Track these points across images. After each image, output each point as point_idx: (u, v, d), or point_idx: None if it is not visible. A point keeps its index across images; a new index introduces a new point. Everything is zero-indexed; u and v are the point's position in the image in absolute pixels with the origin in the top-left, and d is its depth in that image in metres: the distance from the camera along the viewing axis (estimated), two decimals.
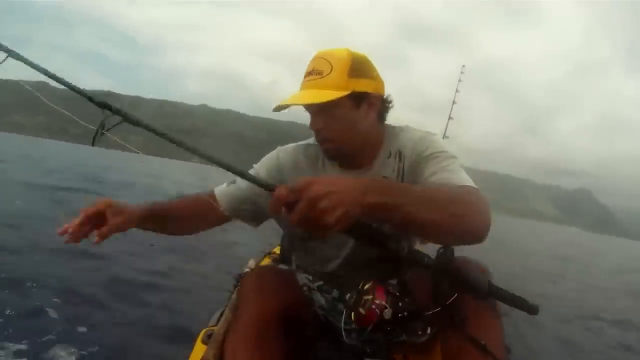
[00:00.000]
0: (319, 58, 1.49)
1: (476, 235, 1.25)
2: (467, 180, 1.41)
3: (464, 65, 3.82)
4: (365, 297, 1.37)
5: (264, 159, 1.80)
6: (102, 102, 1.32)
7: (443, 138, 2.91)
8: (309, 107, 1.53)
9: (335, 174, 1.63)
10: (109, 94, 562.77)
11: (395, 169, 1.59)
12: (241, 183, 1.69)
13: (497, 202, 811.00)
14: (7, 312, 3.47)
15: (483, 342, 1.23)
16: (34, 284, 4.18)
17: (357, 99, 1.49)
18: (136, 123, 1.32)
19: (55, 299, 3.94)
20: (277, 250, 2.82)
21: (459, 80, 3.62)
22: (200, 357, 1.48)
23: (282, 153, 1.78)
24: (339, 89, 1.43)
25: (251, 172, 1.69)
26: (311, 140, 1.74)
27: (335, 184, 1.01)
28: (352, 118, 1.51)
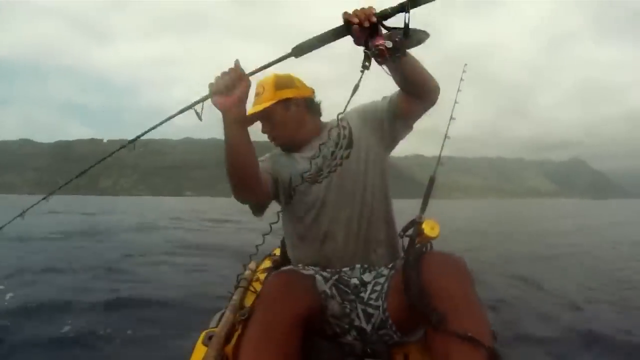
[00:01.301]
0: (257, 85, 2.03)
1: (436, 91, 1.85)
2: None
3: (466, 64, 2.81)
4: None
5: (268, 155, 2.17)
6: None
7: (445, 138, 2.68)
8: (259, 118, 2.01)
9: (300, 155, 2.04)
10: (92, 141, 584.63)
11: (340, 128, 1.99)
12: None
13: (493, 186, 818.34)
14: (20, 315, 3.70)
15: (470, 334, 1.29)
16: (35, 284, 4.44)
17: (285, 104, 2.00)
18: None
19: (55, 299, 4.16)
20: (277, 251, 2.84)
21: (461, 79, 2.67)
22: (201, 358, 1.52)
23: (273, 155, 2.15)
24: (269, 100, 1.96)
25: (262, 159, 2.09)
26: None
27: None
28: (285, 119, 2.01)
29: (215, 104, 1.63)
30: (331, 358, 1.66)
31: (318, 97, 2.16)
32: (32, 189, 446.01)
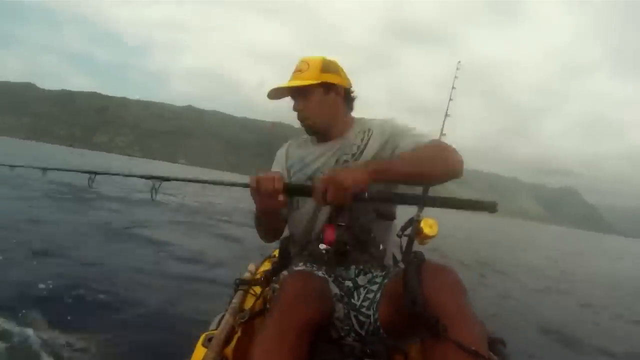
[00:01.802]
0: (301, 61, 2.04)
1: (453, 170, 1.78)
2: (426, 138, 1.93)
3: (459, 62, 2.96)
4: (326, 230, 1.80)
5: (276, 158, 2.26)
6: (150, 175, 1.90)
7: (440, 136, 3.11)
8: (293, 94, 2.05)
9: (320, 149, 2.09)
10: (94, 95, 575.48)
11: (362, 141, 2.03)
12: None
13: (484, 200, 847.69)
14: (21, 313, 3.53)
15: (473, 348, 1.30)
16: (35, 285, 4.28)
17: (327, 87, 2.01)
18: (175, 179, 2.00)
19: (54, 300, 4.05)
20: (276, 253, 2.82)
21: (455, 77, 2.92)
22: (201, 359, 1.53)
23: (286, 147, 2.26)
24: (313, 79, 1.97)
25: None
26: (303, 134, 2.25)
27: (347, 170, 1.63)
28: (322, 102, 2.02)
29: (251, 195, 1.74)
30: (331, 359, 1.68)
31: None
32: (27, 134, 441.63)
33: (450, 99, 3.31)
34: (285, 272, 1.96)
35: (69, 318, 3.67)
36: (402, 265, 1.87)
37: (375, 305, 1.74)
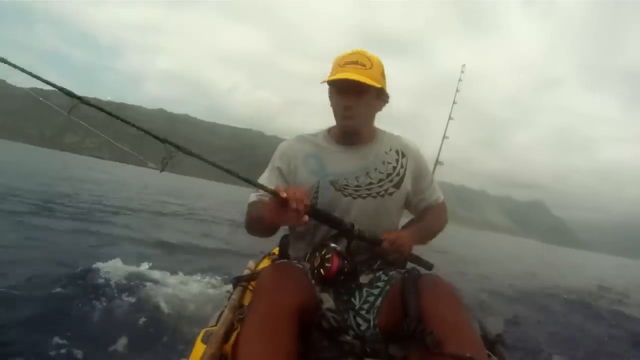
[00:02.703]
0: (360, 54, 1.91)
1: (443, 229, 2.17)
2: (440, 195, 2.23)
3: (464, 65, 3.77)
4: (327, 257, 1.78)
5: (270, 164, 2.10)
6: (165, 139, 1.59)
7: (443, 138, 3.75)
8: (347, 86, 1.87)
9: (345, 152, 2.03)
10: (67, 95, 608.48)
11: (399, 163, 2.04)
12: (269, 183, 1.93)
13: (453, 212, 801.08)
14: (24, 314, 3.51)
15: (468, 355, 1.34)
16: (35, 285, 4.29)
17: (379, 93, 1.96)
18: (190, 154, 1.62)
19: (55, 300, 4.03)
20: (276, 250, 2.85)
21: (459, 80, 3.62)
22: (200, 356, 1.52)
23: (287, 145, 2.10)
24: (376, 81, 1.86)
25: (264, 178, 2.04)
26: (314, 131, 2.18)
27: (406, 237, 1.90)
28: (372, 106, 1.98)
29: (270, 207, 1.58)
30: (331, 356, 1.69)
31: None
32: None
33: (455, 102, 3.28)
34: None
35: (67, 316, 3.68)
36: (404, 270, 1.87)
37: (375, 310, 1.78)
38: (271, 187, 1.70)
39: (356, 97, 1.90)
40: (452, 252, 18.45)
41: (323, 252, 1.82)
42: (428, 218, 2.15)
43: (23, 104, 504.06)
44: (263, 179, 2.03)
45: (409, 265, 2.11)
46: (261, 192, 1.85)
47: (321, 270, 1.75)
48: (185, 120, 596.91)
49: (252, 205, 1.99)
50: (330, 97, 1.99)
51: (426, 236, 2.11)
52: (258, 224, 1.89)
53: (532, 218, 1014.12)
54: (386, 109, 2.06)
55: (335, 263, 1.75)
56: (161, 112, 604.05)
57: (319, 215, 1.77)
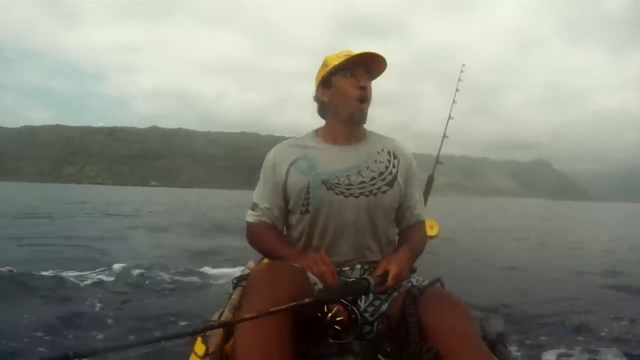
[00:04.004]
0: (367, 50, 1.91)
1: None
2: (423, 213, 2.17)
3: (464, 64, 3.61)
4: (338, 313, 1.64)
5: (261, 176, 2.08)
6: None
7: (443, 137, 3.60)
8: (366, 65, 1.93)
9: (336, 150, 1.99)
10: (57, 127, 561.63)
11: (391, 163, 2.01)
12: (264, 200, 2.03)
13: (458, 183, 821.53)
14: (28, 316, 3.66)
15: None
16: (36, 286, 4.51)
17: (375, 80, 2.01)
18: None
19: (56, 299, 4.23)
20: None
21: (459, 80, 3.48)
22: (200, 356, 1.54)
23: (273, 155, 2.06)
24: (384, 64, 1.94)
25: (258, 195, 2.05)
26: (300, 135, 2.16)
27: (403, 262, 1.79)
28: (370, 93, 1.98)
29: (309, 266, 1.72)
30: (331, 355, 1.66)
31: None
32: None
33: (454, 102, 3.29)
34: None
35: (67, 315, 3.73)
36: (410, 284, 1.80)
37: (379, 314, 1.77)
38: (266, 204, 1.98)
39: (371, 79, 1.96)
40: (460, 229, 18.03)
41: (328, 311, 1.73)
42: (415, 238, 2.10)
43: (15, 143, 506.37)
44: (257, 196, 2.05)
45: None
46: (258, 211, 2.02)
47: (335, 326, 1.66)
48: (178, 134, 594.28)
49: (251, 227, 2.05)
50: (337, 83, 1.96)
51: (416, 257, 2.04)
52: (264, 254, 2.07)
53: (536, 177, 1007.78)
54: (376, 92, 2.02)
55: (345, 316, 1.68)
56: (154, 129, 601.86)
57: (334, 292, 1.68)
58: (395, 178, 1.99)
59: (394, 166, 2.01)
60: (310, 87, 2.09)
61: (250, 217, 2.04)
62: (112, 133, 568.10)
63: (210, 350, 1.55)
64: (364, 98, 1.93)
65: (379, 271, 1.74)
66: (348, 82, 1.93)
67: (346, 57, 1.89)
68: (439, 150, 3.61)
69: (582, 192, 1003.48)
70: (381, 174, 1.97)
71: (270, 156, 2.07)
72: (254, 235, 2.03)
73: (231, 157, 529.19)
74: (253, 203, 2.05)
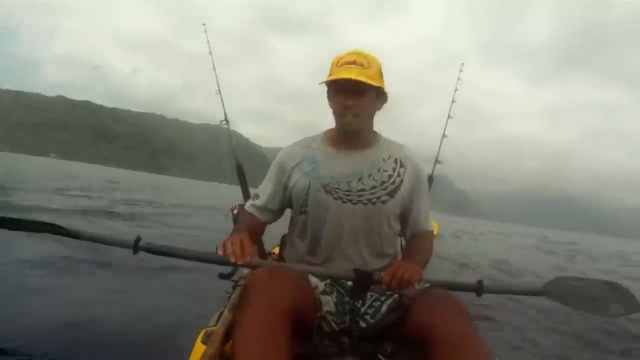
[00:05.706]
0: (358, 54, 1.89)
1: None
2: (431, 224, 2.10)
3: (462, 63, 3.62)
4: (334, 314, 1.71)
5: (268, 172, 2.11)
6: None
7: (442, 137, 3.62)
8: (347, 86, 1.85)
9: (342, 156, 1.98)
10: None
11: (395, 172, 1.96)
12: (265, 191, 2.09)
13: None
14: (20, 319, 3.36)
15: None
16: (35, 286, 4.23)
17: (378, 93, 1.93)
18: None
19: (55, 299, 3.99)
20: (276, 250, 2.77)
21: (458, 79, 3.50)
22: (200, 356, 1.47)
23: (281, 156, 2.09)
24: (374, 80, 1.85)
25: (261, 187, 2.10)
26: (313, 134, 2.15)
27: (411, 268, 1.69)
28: (371, 105, 1.93)
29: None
30: (331, 355, 1.67)
31: None
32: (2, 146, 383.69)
33: (454, 101, 3.54)
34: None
35: (66, 314, 3.68)
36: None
37: (379, 316, 1.80)
38: (264, 195, 2.11)
39: (355, 96, 1.88)
40: None
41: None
42: (420, 246, 2.08)
43: (18, 113, 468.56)
44: (260, 188, 2.14)
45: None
46: (255, 201, 2.14)
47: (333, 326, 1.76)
48: (86, 107, 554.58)
49: (242, 211, 2.32)
50: (329, 98, 1.98)
51: (423, 266, 1.95)
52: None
53: (437, 191, 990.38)
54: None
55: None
56: (61, 99, 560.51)
57: (359, 284, 1.77)
58: (397, 188, 1.97)
59: (398, 175, 1.99)
60: (221, 76, 2.32)
61: (248, 203, 2.21)
62: (17, 97, 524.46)
63: (210, 351, 1.47)
64: (348, 117, 1.91)
65: (388, 274, 1.69)
66: (334, 100, 1.94)
67: (328, 79, 1.90)
68: (439, 150, 3.68)
69: (478, 210, 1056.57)
70: (383, 182, 1.96)
71: (282, 152, 2.13)
72: (240, 217, 2.30)
73: (134, 136, 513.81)
74: (254, 193, 2.18)
